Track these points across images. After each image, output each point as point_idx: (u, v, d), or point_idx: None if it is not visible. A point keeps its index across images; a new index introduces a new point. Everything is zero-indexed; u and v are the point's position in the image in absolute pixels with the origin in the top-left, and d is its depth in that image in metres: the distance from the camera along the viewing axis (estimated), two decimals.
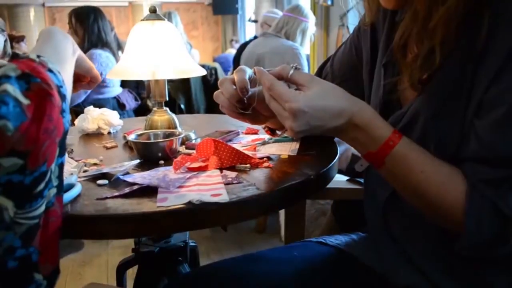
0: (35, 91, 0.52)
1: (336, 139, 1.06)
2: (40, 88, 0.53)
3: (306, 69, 2.67)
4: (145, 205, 0.68)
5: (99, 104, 2.70)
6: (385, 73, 0.78)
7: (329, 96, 0.67)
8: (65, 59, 0.76)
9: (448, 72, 0.64)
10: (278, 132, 0.99)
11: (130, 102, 3.08)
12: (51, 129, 0.54)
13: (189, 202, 0.67)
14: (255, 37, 3.13)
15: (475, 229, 0.61)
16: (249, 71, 0.83)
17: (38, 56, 0.57)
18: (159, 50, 1.00)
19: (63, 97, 0.57)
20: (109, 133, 1.23)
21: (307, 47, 2.95)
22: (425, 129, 0.67)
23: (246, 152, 0.89)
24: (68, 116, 0.59)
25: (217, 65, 3.94)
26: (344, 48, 0.96)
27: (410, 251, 0.76)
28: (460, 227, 0.62)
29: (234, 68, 3.13)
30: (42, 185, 0.53)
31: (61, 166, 0.59)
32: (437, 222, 0.68)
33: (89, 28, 2.82)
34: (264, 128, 1.00)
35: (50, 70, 0.56)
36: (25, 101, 0.50)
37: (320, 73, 1.02)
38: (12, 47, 3.68)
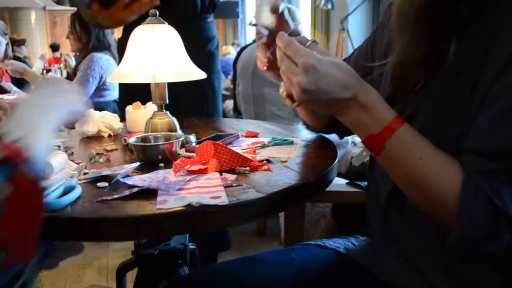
0: (16, 180, 0.47)
1: (335, 141, 1.07)
2: (21, 177, 0.47)
3: None
4: (145, 208, 0.68)
5: (99, 107, 2.71)
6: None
7: (341, 68, 0.68)
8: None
9: (452, 68, 0.65)
10: None
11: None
12: (30, 223, 0.48)
13: (189, 205, 0.67)
14: (254, 41, 3.14)
15: (467, 221, 0.61)
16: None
17: (19, 139, 0.51)
18: (160, 53, 1.01)
19: (42, 188, 0.52)
20: (109, 135, 1.23)
21: None
22: (426, 121, 0.68)
23: (246, 155, 0.89)
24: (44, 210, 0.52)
25: None
26: (359, 50, 0.97)
27: (407, 249, 0.77)
28: (452, 219, 0.62)
29: (234, 72, 3.12)
30: (18, 284, 0.46)
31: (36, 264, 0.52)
32: (431, 213, 0.68)
33: (93, 32, 2.82)
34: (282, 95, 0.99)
35: (30, 157, 0.50)
36: (4, 191, 0.45)
37: None
38: (13, 50, 3.70)
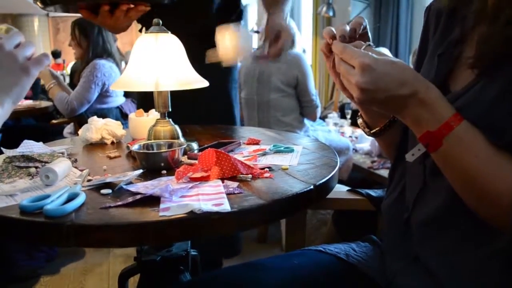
0: None
1: (336, 148, 1.07)
2: None
3: (311, 77, 2.68)
4: (148, 214, 0.69)
5: (102, 113, 2.72)
6: (439, 63, 0.79)
7: (398, 66, 0.68)
8: None
9: None
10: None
11: (133, 112, 3.11)
12: None
13: (191, 212, 0.68)
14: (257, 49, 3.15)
15: None
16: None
17: None
18: (163, 62, 1.02)
19: None
20: (112, 143, 1.25)
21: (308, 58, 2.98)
22: (481, 115, 0.67)
23: (247, 162, 0.90)
24: None
25: None
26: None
27: (420, 250, 0.78)
28: (506, 219, 0.62)
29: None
30: None
31: None
32: (483, 214, 0.67)
33: (94, 40, 2.84)
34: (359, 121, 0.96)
35: None
36: None
37: None
38: None
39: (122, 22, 1.26)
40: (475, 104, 0.68)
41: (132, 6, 1.20)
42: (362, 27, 0.80)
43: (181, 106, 1.14)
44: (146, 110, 1.31)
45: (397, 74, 0.67)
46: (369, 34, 0.84)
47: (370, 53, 0.68)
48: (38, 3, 1.17)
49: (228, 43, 1.21)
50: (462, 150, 0.65)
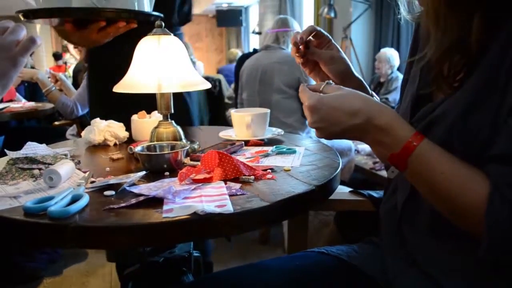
0: None
1: (338, 149, 1.08)
2: None
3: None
4: (151, 216, 0.69)
5: None
6: (421, 70, 0.80)
7: (345, 97, 0.70)
8: None
9: (485, 69, 0.64)
10: None
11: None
12: None
13: (194, 213, 0.68)
14: (255, 50, 3.14)
15: (496, 232, 0.60)
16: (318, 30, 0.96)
17: None
18: (165, 64, 1.02)
19: None
20: (115, 144, 1.25)
21: None
22: (455, 123, 0.67)
23: (250, 164, 0.90)
24: None
25: (221, 76, 3.98)
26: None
27: (417, 253, 0.78)
28: (481, 229, 0.62)
29: (236, 80, 3.13)
30: None
31: None
32: (458, 224, 0.68)
33: None
34: None
35: None
36: None
37: None
38: None
39: (98, 37, 1.25)
40: (447, 114, 0.69)
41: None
42: (310, 34, 0.93)
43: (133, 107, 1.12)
44: (130, 111, 1.30)
45: (345, 106, 0.69)
46: (327, 34, 0.95)
47: (316, 94, 0.72)
48: (21, 16, 1.17)
49: (243, 127, 1.25)
50: (427, 168, 0.66)
